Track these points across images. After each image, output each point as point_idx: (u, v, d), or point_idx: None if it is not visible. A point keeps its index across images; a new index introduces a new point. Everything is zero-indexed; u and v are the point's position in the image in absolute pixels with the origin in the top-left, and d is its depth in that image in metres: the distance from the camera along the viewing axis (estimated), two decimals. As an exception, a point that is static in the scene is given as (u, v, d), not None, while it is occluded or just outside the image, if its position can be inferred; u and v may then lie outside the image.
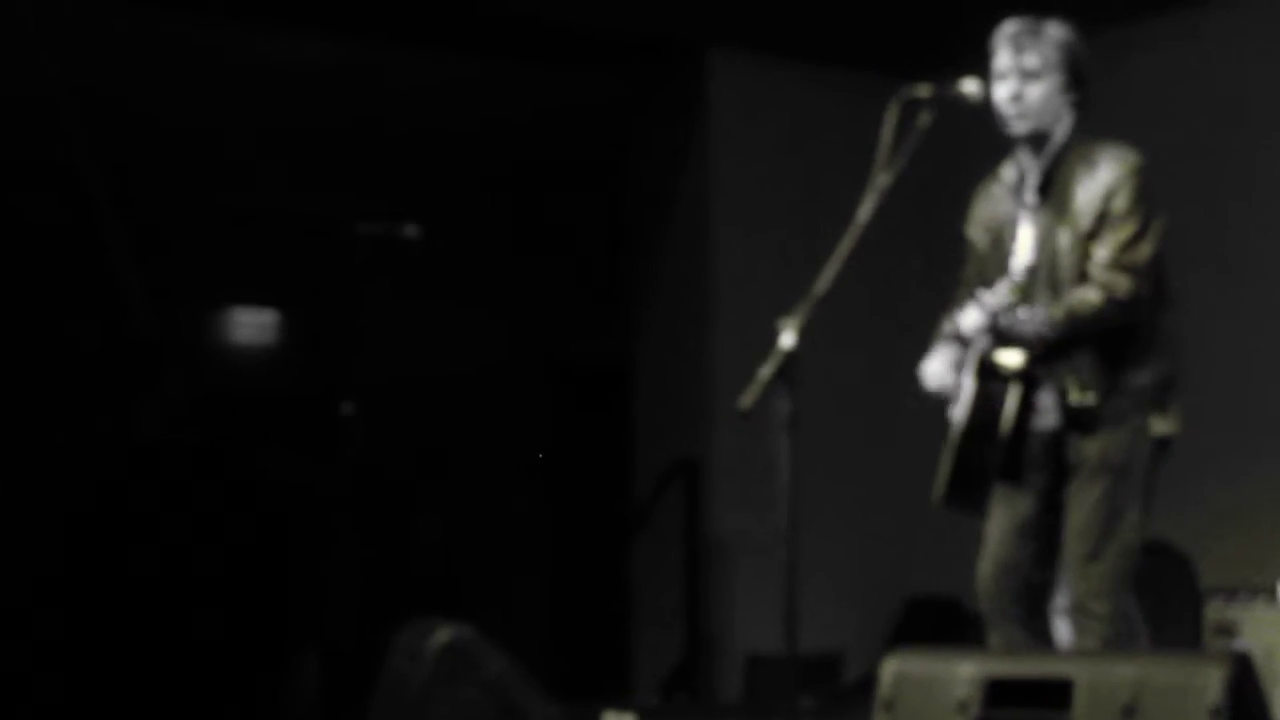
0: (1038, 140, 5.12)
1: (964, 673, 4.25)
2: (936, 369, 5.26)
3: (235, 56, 9.49)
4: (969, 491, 5.15)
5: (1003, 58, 5.12)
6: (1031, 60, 5.08)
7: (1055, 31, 5.11)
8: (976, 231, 5.34)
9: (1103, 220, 5.00)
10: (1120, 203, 4.99)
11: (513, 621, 8.92)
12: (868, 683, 4.69)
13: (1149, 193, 5.03)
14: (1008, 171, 5.27)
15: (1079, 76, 5.12)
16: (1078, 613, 5.05)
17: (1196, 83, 8.70)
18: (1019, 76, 5.08)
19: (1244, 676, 3.95)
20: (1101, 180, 5.03)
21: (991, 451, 5.06)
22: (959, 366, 5.18)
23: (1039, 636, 5.17)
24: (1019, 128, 5.10)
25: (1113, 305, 4.94)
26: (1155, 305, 5.06)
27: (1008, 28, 5.15)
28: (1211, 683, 3.90)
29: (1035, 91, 5.08)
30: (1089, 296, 4.96)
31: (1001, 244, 5.22)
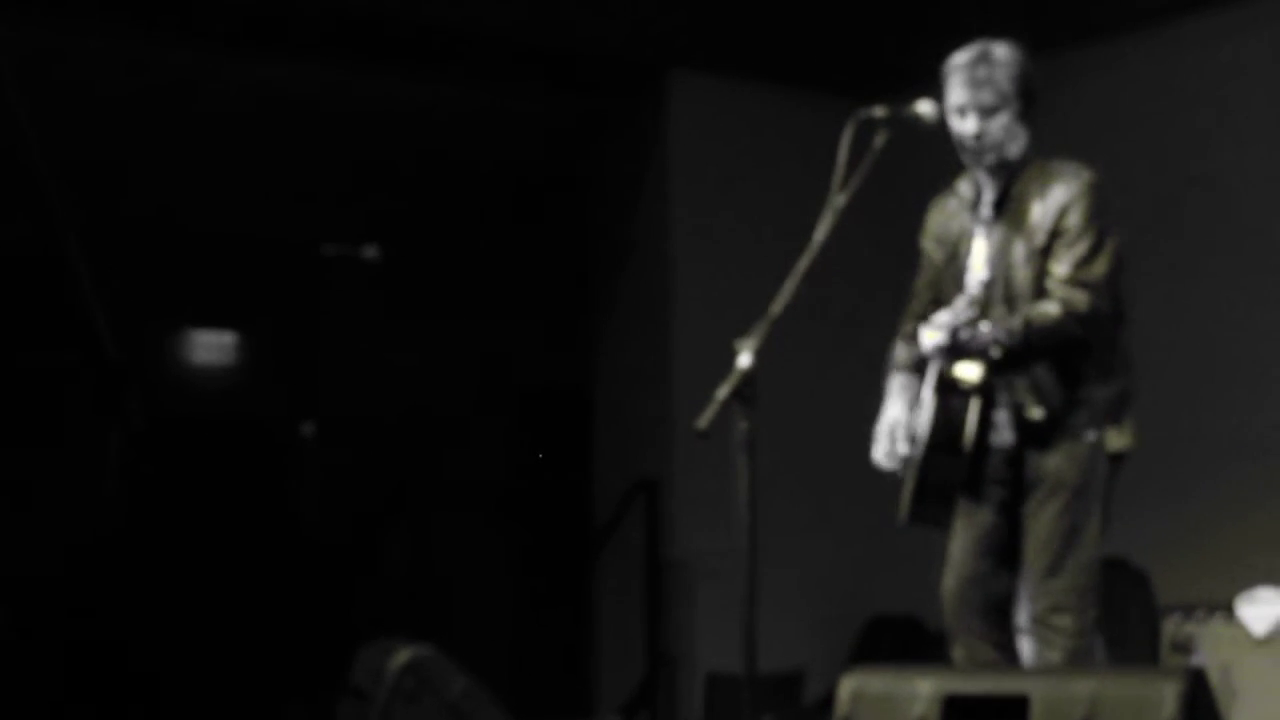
0: (1000, 164, 5.17)
1: (921, 690, 4.28)
2: (890, 421, 5.30)
3: (196, 79, 9.48)
4: (932, 507, 5.18)
5: (958, 94, 5.14)
6: (988, 97, 5.09)
7: (1005, 56, 5.13)
8: (930, 244, 5.39)
9: (1057, 236, 5.05)
10: (1074, 219, 5.04)
11: (475, 641, 8.90)
12: (829, 702, 4.70)
13: (1103, 209, 5.08)
14: (964, 186, 5.31)
15: (1031, 95, 5.16)
16: (1040, 627, 5.09)
17: (1149, 104, 8.76)
18: (978, 114, 5.11)
19: (1198, 692, 3.99)
20: (1056, 196, 5.08)
21: (953, 466, 5.09)
22: (914, 404, 5.23)
23: (1002, 650, 5.20)
24: (986, 160, 5.14)
25: (1071, 319, 4.98)
26: (1113, 321, 5.11)
27: (959, 60, 5.16)
28: (1166, 698, 3.93)
29: (996, 125, 5.12)
30: (1048, 309, 5.00)
31: (957, 258, 5.26)
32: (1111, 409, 5.12)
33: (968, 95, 5.12)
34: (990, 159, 5.13)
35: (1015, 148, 5.15)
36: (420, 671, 5.84)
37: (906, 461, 5.22)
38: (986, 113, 5.10)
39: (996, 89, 5.10)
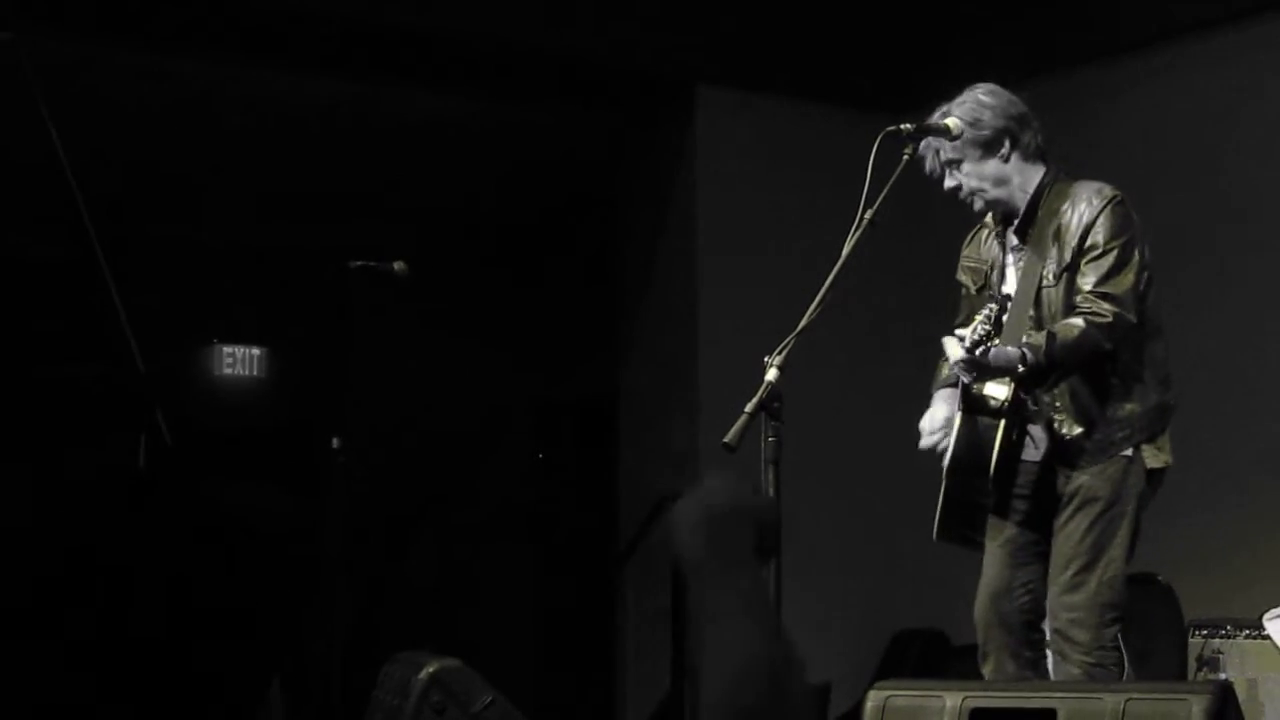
0: (989, 206, 5.23)
1: (948, 704, 4.28)
2: (936, 416, 5.30)
3: (222, 93, 9.51)
4: (961, 525, 5.17)
5: (929, 161, 5.26)
6: (947, 153, 5.21)
7: (956, 111, 5.20)
8: (965, 277, 5.44)
9: (1083, 255, 5.07)
10: (1099, 235, 5.07)
11: (500, 655, 8.91)
12: (855, 715, 4.71)
13: (1127, 224, 5.10)
14: (992, 215, 5.35)
15: (1002, 134, 5.18)
16: (1059, 639, 5.10)
17: (1181, 118, 8.74)
18: (945, 170, 5.24)
19: (1226, 707, 3.99)
20: (1080, 216, 5.10)
21: (979, 488, 5.09)
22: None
23: (1032, 668, 5.20)
24: (975, 206, 5.26)
25: (1095, 329, 4.98)
26: (1140, 333, 5.10)
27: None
28: (1193, 713, 3.93)
29: (962, 175, 5.20)
30: (1072, 322, 5.01)
31: (988, 285, 5.30)
32: (1148, 424, 5.12)
33: (931, 159, 5.25)
34: (978, 204, 5.27)
35: (1013, 181, 5.19)
36: (446, 685, 5.85)
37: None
38: (950, 165, 5.21)
39: (951, 145, 5.19)
